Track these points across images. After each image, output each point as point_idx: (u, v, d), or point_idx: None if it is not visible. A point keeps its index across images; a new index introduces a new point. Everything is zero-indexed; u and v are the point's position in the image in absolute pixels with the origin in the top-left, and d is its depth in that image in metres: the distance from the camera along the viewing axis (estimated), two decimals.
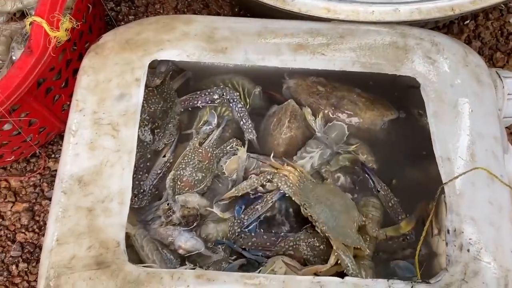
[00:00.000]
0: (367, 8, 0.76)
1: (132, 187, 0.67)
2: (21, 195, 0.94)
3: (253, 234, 0.71)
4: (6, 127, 0.78)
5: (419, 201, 0.72)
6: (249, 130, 0.78)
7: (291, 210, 0.74)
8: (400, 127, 0.80)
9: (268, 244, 0.70)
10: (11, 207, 0.93)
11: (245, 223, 0.71)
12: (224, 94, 0.80)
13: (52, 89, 0.82)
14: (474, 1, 0.75)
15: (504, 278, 0.62)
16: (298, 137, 0.78)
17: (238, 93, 0.80)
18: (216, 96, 0.80)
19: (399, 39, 0.76)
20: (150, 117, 0.77)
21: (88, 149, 0.68)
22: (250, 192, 0.73)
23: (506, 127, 0.97)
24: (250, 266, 0.69)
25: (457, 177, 0.66)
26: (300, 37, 0.76)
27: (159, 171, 0.75)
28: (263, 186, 0.73)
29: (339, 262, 0.66)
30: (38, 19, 0.68)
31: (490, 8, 1.10)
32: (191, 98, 0.81)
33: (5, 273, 0.89)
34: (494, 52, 1.07)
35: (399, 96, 0.81)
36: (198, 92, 0.81)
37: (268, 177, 0.72)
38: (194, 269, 0.64)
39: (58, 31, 0.70)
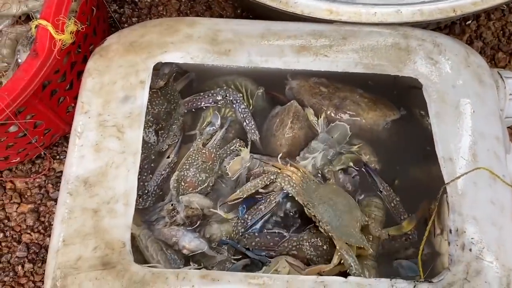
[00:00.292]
0: (370, 9, 0.76)
1: (137, 188, 0.67)
2: (26, 196, 0.95)
3: (256, 234, 0.71)
4: (12, 129, 0.79)
5: (421, 201, 0.72)
6: (252, 131, 0.79)
7: (294, 210, 0.73)
8: (403, 127, 0.80)
9: (271, 244, 0.71)
10: (17, 208, 0.93)
11: (249, 223, 0.71)
12: (227, 95, 0.80)
13: (57, 91, 0.82)
14: (475, 2, 0.75)
15: (507, 277, 0.62)
16: (301, 138, 0.78)
17: (241, 94, 0.81)
18: (219, 97, 0.80)
19: (401, 40, 0.76)
20: (154, 119, 0.78)
21: (93, 151, 0.68)
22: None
23: (508, 127, 0.97)
24: (254, 266, 0.69)
25: (459, 177, 0.66)
26: (303, 39, 0.76)
27: (163, 172, 0.76)
28: (266, 186, 0.73)
29: (342, 261, 0.66)
30: (43, 22, 0.69)
31: (491, 9, 1.10)
32: (194, 100, 0.81)
33: (11, 274, 0.89)
34: (496, 52, 1.07)
35: (401, 96, 0.81)
36: (202, 94, 0.81)
37: (272, 177, 0.72)
38: (199, 269, 0.65)
39: (63, 34, 0.71)
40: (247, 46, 0.75)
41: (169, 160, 0.76)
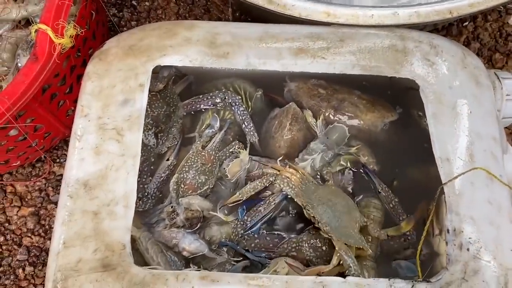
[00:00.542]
0: (367, 12, 0.76)
1: (137, 191, 0.67)
2: (26, 199, 0.95)
3: (256, 235, 0.72)
4: (12, 132, 0.79)
5: (420, 201, 0.72)
6: (251, 133, 0.79)
7: (294, 211, 0.74)
8: (401, 128, 0.80)
9: (271, 245, 0.71)
10: (17, 211, 0.94)
11: (248, 225, 0.72)
12: (226, 97, 0.80)
13: (56, 95, 0.83)
14: (472, 4, 0.75)
15: (504, 276, 0.62)
16: (300, 139, 0.79)
17: (240, 97, 0.81)
18: (218, 100, 0.81)
19: (398, 42, 0.76)
20: (153, 121, 0.78)
21: (93, 154, 0.68)
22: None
23: (506, 128, 0.97)
24: (253, 267, 0.69)
25: (456, 177, 0.66)
26: (300, 41, 0.76)
27: (162, 175, 0.76)
28: (265, 188, 0.73)
29: (341, 262, 0.66)
30: (43, 26, 0.69)
31: (488, 10, 1.10)
32: (193, 102, 0.81)
33: (12, 277, 0.89)
34: (493, 53, 1.07)
35: (399, 97, 0.81)
36: (201, 96, 0.81)
37: (271, 179, 0.72)
38: (198, 270, 0.65)
39: (63, 38, 0.71)
40: (245, 49, 0.76)
41: (169, 162, 0.77)
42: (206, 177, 0.75)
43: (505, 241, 0.64)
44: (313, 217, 0.69)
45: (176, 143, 0.79)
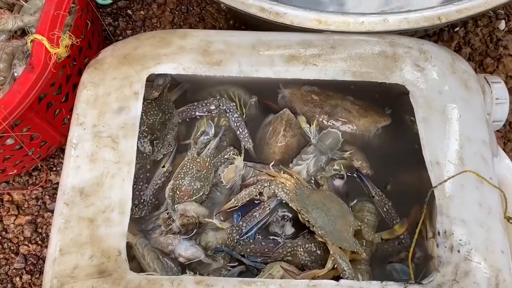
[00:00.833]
0: (357, 18, 0.77)
1: (132, 198, 0.68)
2: (23, 208, 0.95)
3: (251, 241, 0.72)
4: (9, 141, 0.79)
5: (413, 205, 0.73)
6: (246, 139, 0.79)
7: (288, 216, 0.74)
8: (393, 133, 0.80)
9: (266, 250, 0.71)
10: (14, 220, 0.94)
11: (244, 230, 0.72)
12: (221, 104, 0.81)
13: (52, 104, 0.83)
14: (459, 10, 0.76)
15: (495, 277, 0.62)
16: (294, 145, 0.79)
17: (234, 104, 0.81)
18: (213, 107, 0.81)
19: (388, 48, 0.77)
20: (149, 129, 0.79)
21: (89, 161, 0.69)
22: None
23: (497, 131, 0.98)
24: (249, 272, 0.69)
25: (446, 180, 0.67)
26: (292, 49, 0.77)
27: (158, 181, 0.76)
28: (260, 193, 0.73)
29: (336, 266, 0.66)
30: (39, 36, 0.69)
31: (478, 16, 1.11)
32: (188, 109, 0.82)
33: (9, 285, 0.89)
34: (484, 58, 1.08)
35: (392, 103, 0.82)
36: (196, 103, 0.82)
37: (265, 185, 0.72)
38: (194, 276, 0.65)
39: (58, 47, 0.71)
40: (238, 57, 0.76)
41: (164, 169, 0.77)
42: (202, 183, 0.75)
43: (495, 242, 0.64)
44: (308, 221, 0.69)
45: (171, 150, 0.79)
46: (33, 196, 0.96)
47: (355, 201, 0.76)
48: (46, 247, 0.91)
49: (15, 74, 0.78)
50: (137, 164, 0.71)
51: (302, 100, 0.82)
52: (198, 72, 0.76)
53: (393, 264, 0.71)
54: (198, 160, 0.76)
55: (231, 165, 0.77)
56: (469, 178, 0.68)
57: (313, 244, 0.70)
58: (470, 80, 0.76)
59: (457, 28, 1.11)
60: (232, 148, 0.79)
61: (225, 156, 0.79)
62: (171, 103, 0.82)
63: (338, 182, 0.78)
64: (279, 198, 0.72)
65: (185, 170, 0.75)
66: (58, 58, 0.72)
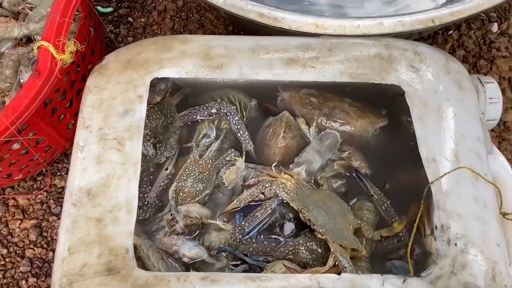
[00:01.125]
0: (353, 22, 0.78)
1: (137, 199, 0.68)
2: (28, 212, 0.96)
3: (253, 240, 0.72)
4: (15, 146, 0.80)
5: (411, 203, 0.73)
6: (247, 141, 0.80)
7: (289, 216, 0.75)
8: (391, 133, 0.81)
9: (268, 249, 0.71)
10: (20, 224, 0.94)
11: (246, 230, 0.72)
12: (222, 108, 0.82)
13: (57, 109, 0.84)
14: (452, 13, 0.77)
15: (492, 269, 0.63)
16: (294, 146, 0.80)
17: (234, 107, 0.82)
18: (214, 110, 0.82)
19: (383, 50, 0.78)
20: (152, 132, 0.80)
21: (95, 163, 0.70)
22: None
23: (492, 130, 1.00)
24: (252, 271, 0.70)
25: (442, 176, 0.68)
26: (291, 52, 0.78)
27: (161, 184, 0.77)
28: (262, 194, 0.74)
29: (337, 263, 0.67)
30: (45, 43, 0.71)
31: (472, 18, 1.13)
32: (190, 113, 0.83)
33: None
34: (478, 59, 1.09)
35: (387, 104, 0.83)
36: (197, 107, 0.83)
37: (267, 185, 0.73)
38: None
39: (64, 54, 0.72)
40: (238, 60, 0.77)
41: (167, 172, 0.78)
42: (204, 185, 0.76)
43: (491, 236, 0.65)
44: (309, 220, 0.70)
45: (174, 153, 0.80)
46: (38, 201, 0.96)
47: (354, 200, 0.77)
48: (52, 250, 0.92)
49: (21, 81, 0.79)
50: (141, 167, 0.72)
51: (301, 102, 0.83)
52: (200, 75, 0.77)
53: (393, 261, 0.72)
54: (200, 162, 0.77)
55: (232, 166, 0.78)
56: (465, 174, 0.69)
57: (314, 242, 0.71)
58: (463, 80, 0.77)
59: (451, 31, 1.12)
60: (233, 150, 0.80)
61: (227, 158, 0.80)
62: (173, 107, 0.83)
63: (337, 182, 0.79)
64: (280, 198, 0.73)
65: (187, 172, 0.76)
66: (64, 64, 0.74)
